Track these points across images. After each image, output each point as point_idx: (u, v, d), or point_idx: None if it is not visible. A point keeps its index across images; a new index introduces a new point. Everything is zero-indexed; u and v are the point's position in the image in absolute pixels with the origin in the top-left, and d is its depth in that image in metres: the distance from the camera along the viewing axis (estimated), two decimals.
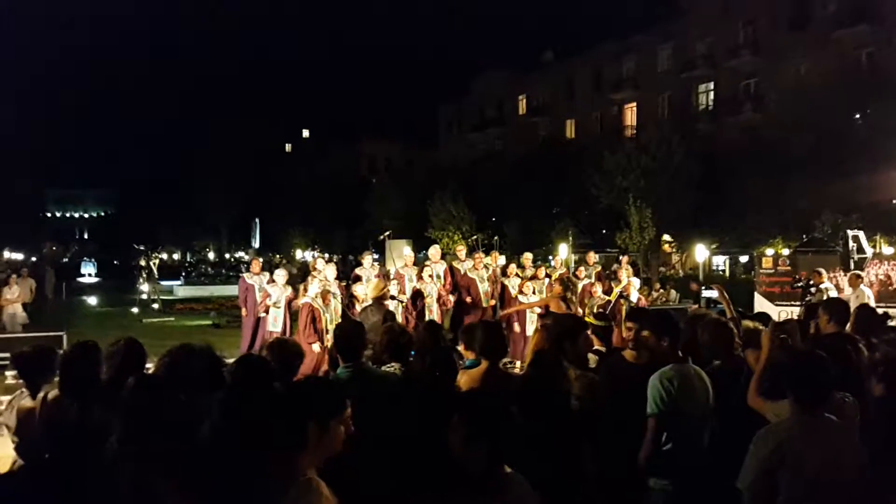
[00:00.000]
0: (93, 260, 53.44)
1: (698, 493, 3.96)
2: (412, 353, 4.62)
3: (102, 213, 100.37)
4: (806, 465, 3.08)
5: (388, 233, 17.73)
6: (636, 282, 12.35)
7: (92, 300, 26.09)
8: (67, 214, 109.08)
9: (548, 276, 12.56)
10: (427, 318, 10.50)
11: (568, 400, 3.83)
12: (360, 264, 12.52)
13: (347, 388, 3.51)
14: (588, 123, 45.81)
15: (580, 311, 10.57)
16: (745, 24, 36.74)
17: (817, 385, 3.22)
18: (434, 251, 12.28)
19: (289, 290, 11.23)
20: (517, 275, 12.24)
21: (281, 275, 11.45)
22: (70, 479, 2.83)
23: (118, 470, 2.66)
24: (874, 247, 17.53)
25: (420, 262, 12.72)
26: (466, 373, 4.27)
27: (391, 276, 12.31)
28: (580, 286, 12.77)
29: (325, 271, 10.71)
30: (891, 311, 8.52)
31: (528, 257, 13.51)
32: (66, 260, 63.82)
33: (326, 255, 38.17)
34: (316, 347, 9.13)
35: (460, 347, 4.59)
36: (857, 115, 20.95)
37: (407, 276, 11.66)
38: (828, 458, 3.09)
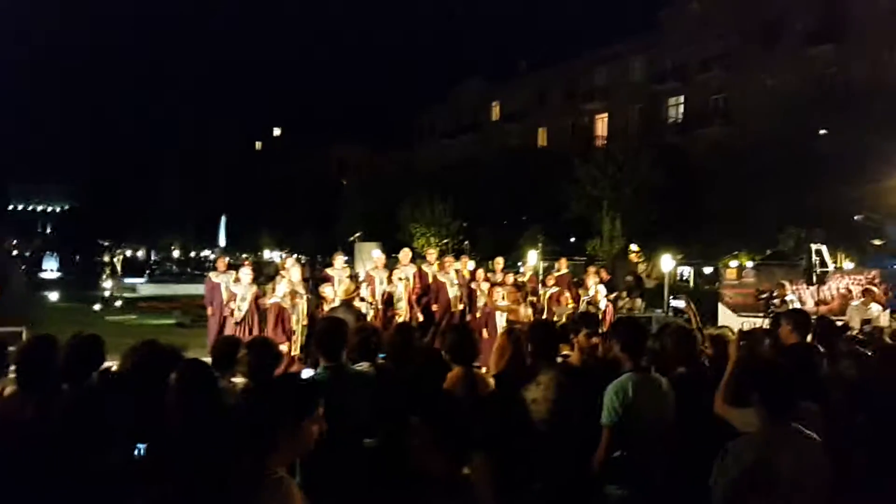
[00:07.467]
0: (55, 254, 52.24)
1: (654, 500, 3.99)
2: (380, 354, 4.60)
3: (66, 208, 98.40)
4: (779, 476, 3.09)
5: (358, 234, 17.64)
6: (603, 290, 12.45)
7: (53, 295, 25.52)
8: (30, 208, 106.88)
9: (515, 282, 12.60)
10: (397, 321, 10.48)
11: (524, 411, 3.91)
12: (330, 265, 12.45)
13: (329, 388, 3.48)
14: (560, 132, 46.18)
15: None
16: (717, 38, 37.33)
17: (785, 393, 3.26)
18: (404, 254, 12.26)
19: (254, 288, 11.14)
20: (487, 279, 12.26)
21: (246, 273, 11.33)
22: (29, 474, 2.76)
23: (81, 468, 2.60)
24: (836, 261, 17.90)
25: (391, 265, 12.68)
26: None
27: (360, 279, 12.26)
28: (548, 293, 12.84)
29: (291, 271, 10.62)
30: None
31: (499, 261, 13.54)
32: (28, 254, 62.40)
33: (295, 256, 37.83)
34: (284, 348, 9.05)
35: None
36: (822, 132, 21.37)
37: (378, 279, 11.61)
38: (798, 467, 3.11)
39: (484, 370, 10.35)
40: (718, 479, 3.21)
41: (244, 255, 47.54)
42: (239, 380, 4.10)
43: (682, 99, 39.64)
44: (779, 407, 3.23)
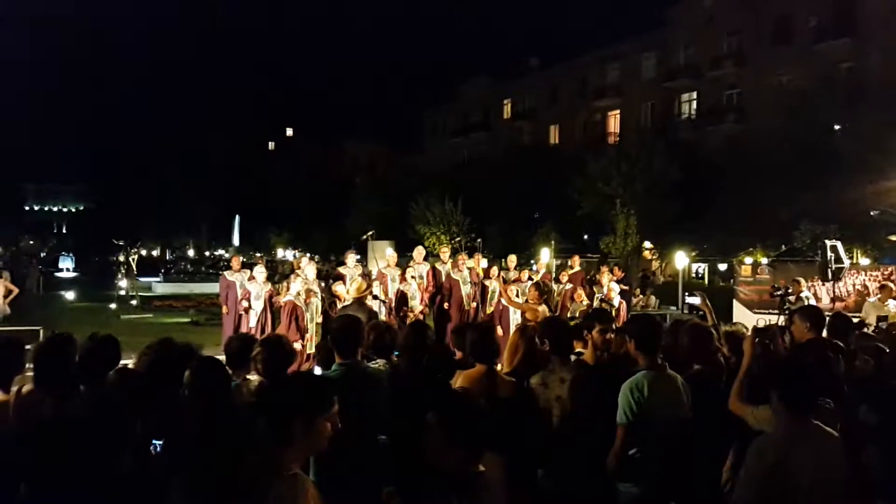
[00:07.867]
0: (71, 255, 52.69)
1: (668, 498, 3.97)
2: (395, 352, 4.61)
3: (81, 208, 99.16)
4: (800, 474, 3.06)
5: (371, 233, 17.68)
6: (616, 287, 12.40)
7: (69, 295, 25.75)
8: (46, 208, 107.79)
9: (530, 279, 12.60)
10: (411, 319, 10.50)
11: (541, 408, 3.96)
12: (342, 263, 12.50)
13: (343, 386, 3.51)
14: (571, 129, 46.03)
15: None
16: (729, 34, 37.07)
17: (806, 390, 3.23)
18: (418, 252, 12.28)
19: (268, 286, 11.21)
20: (500, 277, 12.28)
21: (260, 271, 11.41)
22: (46, 472, 2.78)
23: (99, 467, 2.62)
24: (851, 257, 17.74)
25: (403, 263, 12.71)
26: (463, 374, 4.26)
27: (373, 277, 12.30)
28: (563, 290, 12.82)
29: (306, 270, 10.73)
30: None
31: (512, 259, 13.57)
32: (43, 254, 62.97)
33: (308, 255, 38.00)
34: (297, 345, 9.10)
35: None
36: (837, 128, 21.17)
37: (389, 277, 11.65)
38: (819, 465, 3.08)
39: (498, 367, 10.34)
40: (739, 477, 3.18)
41: (258, 254, 47.82)
42: (253, 377, 4.12)
43: (694, 95, 39.39)
44: (799, 405, 3.19)
